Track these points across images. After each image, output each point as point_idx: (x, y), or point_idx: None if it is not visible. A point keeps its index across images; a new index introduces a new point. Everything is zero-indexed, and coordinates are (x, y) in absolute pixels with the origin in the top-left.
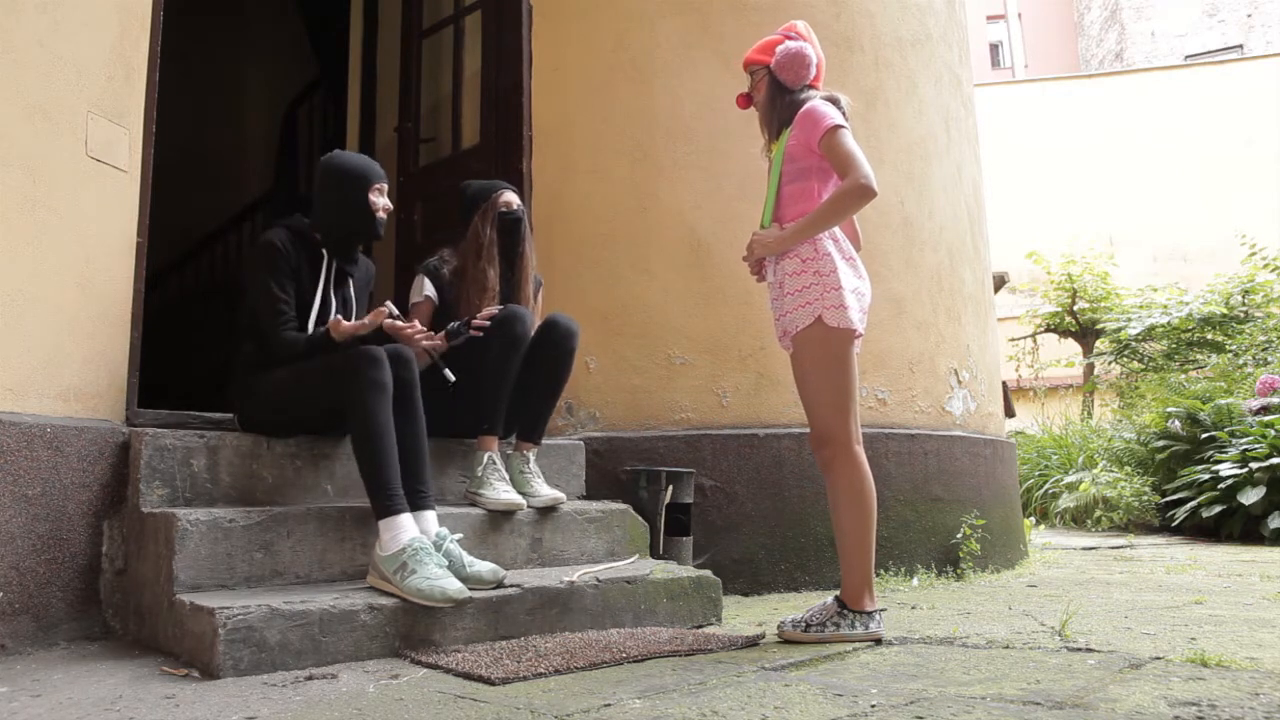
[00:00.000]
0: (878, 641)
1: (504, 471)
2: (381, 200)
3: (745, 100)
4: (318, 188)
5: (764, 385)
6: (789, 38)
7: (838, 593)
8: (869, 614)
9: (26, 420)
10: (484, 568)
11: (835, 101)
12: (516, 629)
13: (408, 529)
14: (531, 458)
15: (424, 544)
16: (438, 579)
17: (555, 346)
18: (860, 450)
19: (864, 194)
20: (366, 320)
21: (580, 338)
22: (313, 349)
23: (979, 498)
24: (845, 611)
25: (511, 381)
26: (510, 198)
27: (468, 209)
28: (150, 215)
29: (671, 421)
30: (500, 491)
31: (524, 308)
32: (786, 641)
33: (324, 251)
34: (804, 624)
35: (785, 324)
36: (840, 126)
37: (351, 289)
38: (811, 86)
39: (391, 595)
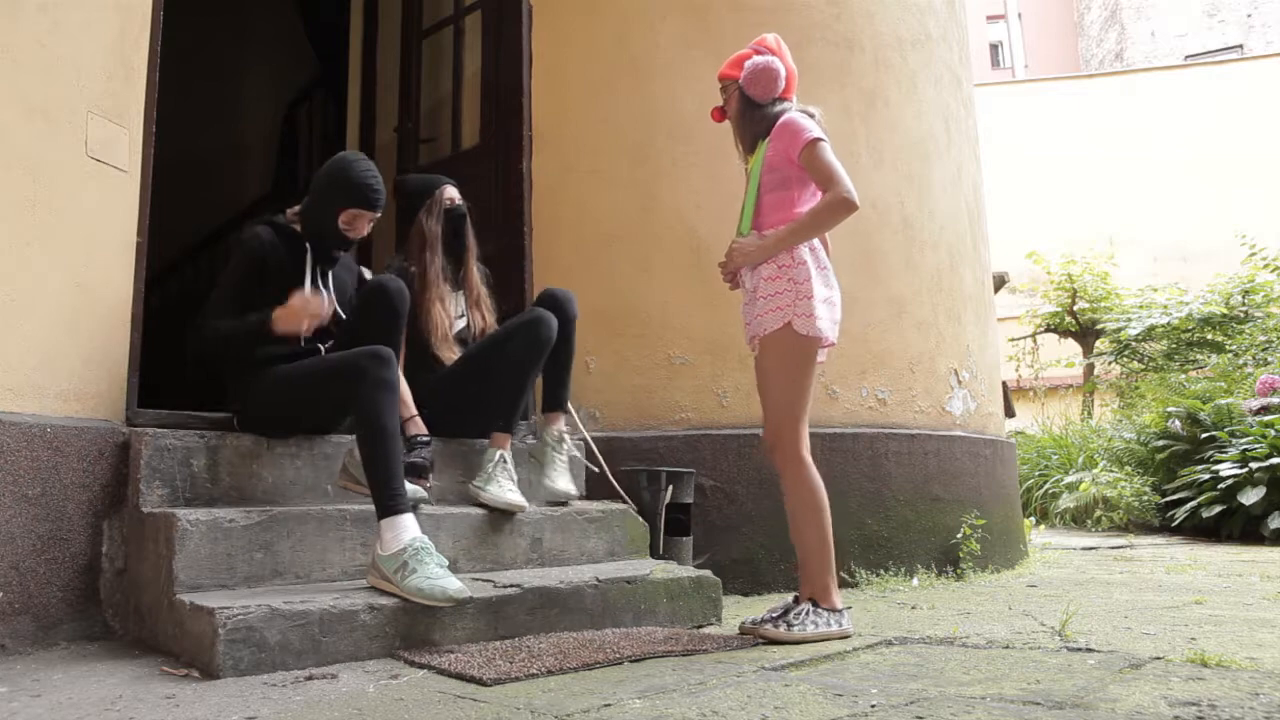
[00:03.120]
0: (845, 638)
1: (513, 472)
2: (350, 227)
3: (720, 114)
4: (314, 178)
5: None
6: (758, 52)
7: (798, 593)
8: (840, 611)
9: (26, 420)
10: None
11: (810, 115)
12: (516, 629)
13: (409, 529)
14: (567, 438)
15: (425, 544)
16: (438, 578)
17: (560, 313)
18: (808, 456)
19: (846, 207)
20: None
21: (580, 337)
22: (248, 334)
23: (979, 498)
24: (819, 609)
25: (532, 383)
26: (453, 193)
27: (411, 206)
28: (150, 215)
29: (671, 421)
30: (506, 491)
31: (549, 313)
32: (762, 639)
33: (307, 245)
34: (780, 621)
35: (755, 328)
36: (820, 139)
37: (331, 283)
38: (783, 99)
39: (391, 595)
